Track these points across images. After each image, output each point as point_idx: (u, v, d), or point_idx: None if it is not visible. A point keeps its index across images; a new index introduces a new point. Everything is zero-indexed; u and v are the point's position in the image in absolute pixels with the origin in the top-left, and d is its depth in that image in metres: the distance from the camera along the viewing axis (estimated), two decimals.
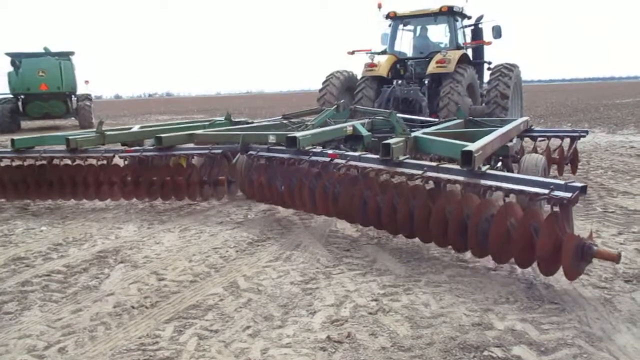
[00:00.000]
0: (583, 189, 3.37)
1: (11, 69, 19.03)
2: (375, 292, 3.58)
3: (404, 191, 4.23)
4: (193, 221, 5.69)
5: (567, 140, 7.11)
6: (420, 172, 4.14)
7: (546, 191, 3.39)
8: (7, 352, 2.89)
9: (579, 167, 8.16)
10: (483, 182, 3.82)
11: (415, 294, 3.52)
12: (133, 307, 3.42)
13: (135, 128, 7.71)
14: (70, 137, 6.42)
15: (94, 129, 7.13)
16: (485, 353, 2.73)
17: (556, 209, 3.35)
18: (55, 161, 6.51)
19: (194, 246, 4.75)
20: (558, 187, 3.39)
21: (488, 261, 4.12)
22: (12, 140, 6.56)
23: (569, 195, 3.31)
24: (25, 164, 6.60)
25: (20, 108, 18.98)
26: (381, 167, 4.43)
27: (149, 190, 6.19)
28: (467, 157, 3.98)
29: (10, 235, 5.28)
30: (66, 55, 19.62)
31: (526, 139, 7.71)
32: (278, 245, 4.72)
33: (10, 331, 3.13)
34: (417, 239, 4.37)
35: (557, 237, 3.29)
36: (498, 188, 3.73)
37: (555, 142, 7.33)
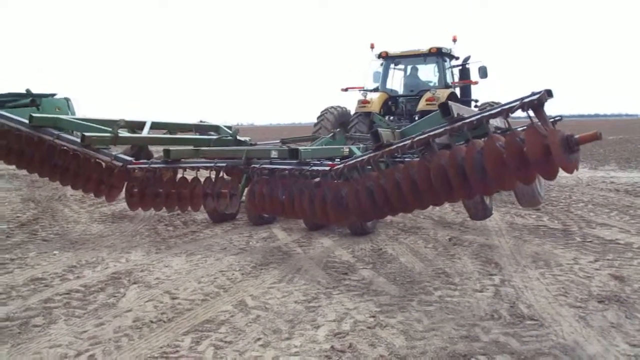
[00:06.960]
0: (549, 92, 3.77)
1: None
2: (372, 310, 3.93)
3: (401, 166, 4.40)
4: (198, 247, 6.02)
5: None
6: (410, 141, 4.38)
7: (517, 102, 3.79)
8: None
9: (561, 200, 8.66)
10: (463, 122, 4.11)
11: (409, 312, 3.87)
12: (152, 322, 3.74)
13: (147, 128, 7.86)
14: (86, 134, 6.71)
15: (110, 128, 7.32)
16: None
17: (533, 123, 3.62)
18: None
19: (202, 269, 5.08)
20: (526, 96, 3.78)
21: (475, 283, 4.51)
22: (30, 116, 6.90)
23: (537, 96, 3.70)
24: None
25: None
26: (377, 152, 4.67)
27: (154, 201, 6.56)
28: (445, 108, 4.25)
29: (24, 258, 5.56)
30: (49, 97, 20.47)
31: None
32: (280, 269, 5.07)
33: (41, 341, 3.43)
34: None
35: (542, 137, 3.50)
36: (478, 121, 4.05)
37: None
